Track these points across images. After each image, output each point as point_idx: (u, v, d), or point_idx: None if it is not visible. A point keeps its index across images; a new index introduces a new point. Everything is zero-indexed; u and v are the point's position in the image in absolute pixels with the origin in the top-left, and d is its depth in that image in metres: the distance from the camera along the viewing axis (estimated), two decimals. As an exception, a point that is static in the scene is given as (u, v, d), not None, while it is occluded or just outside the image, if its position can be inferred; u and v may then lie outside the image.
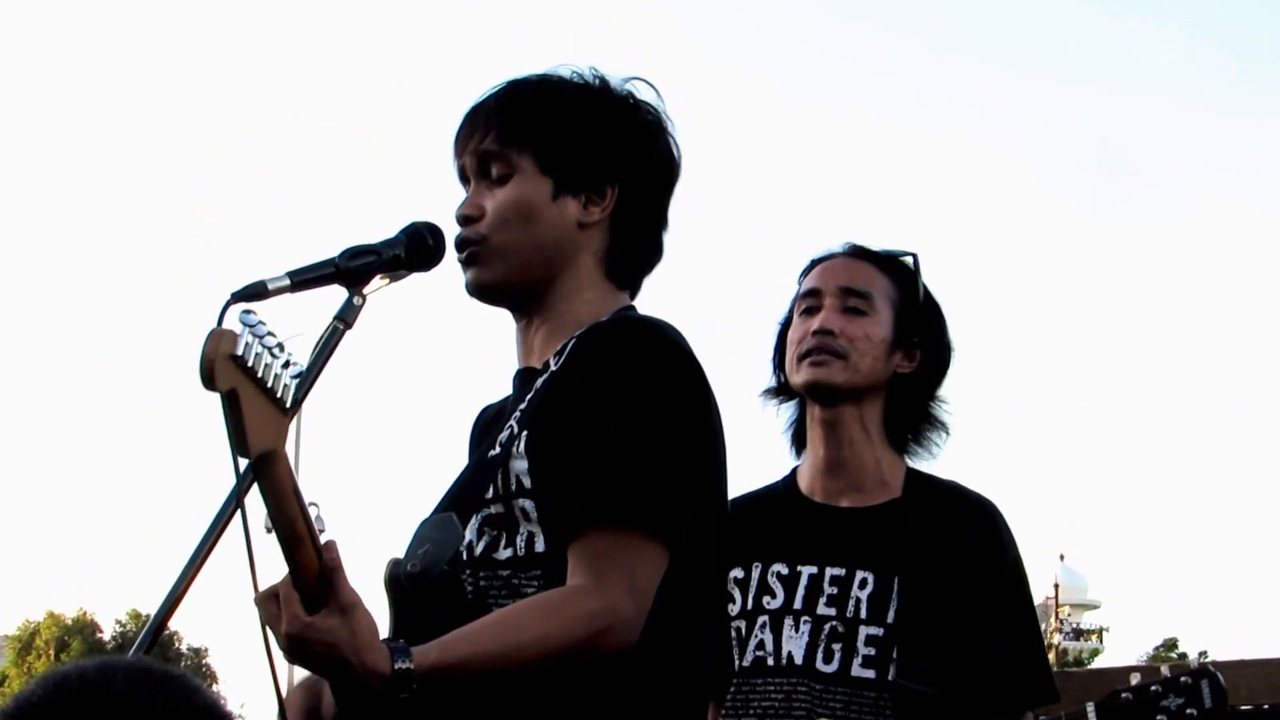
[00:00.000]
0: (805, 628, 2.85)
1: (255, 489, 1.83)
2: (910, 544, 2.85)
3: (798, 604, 2.86)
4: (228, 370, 1.70)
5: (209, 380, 1.70)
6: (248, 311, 1.76)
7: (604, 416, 2.10)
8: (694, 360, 2.18)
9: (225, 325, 1.76)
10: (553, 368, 2.23)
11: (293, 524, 1.85)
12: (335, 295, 2.14)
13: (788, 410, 3.05)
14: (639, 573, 2.03)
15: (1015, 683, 2.84)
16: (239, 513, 1.92)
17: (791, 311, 3.03)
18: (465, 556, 2.16)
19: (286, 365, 1.76)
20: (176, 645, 43.86)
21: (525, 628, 1.97)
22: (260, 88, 62.78)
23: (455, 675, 1.93)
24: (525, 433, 2.16)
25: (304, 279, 2.10)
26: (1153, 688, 2.65)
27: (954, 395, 3.00)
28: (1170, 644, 40.16)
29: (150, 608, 2.00)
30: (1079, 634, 43.40)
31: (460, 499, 2.22)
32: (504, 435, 2.21)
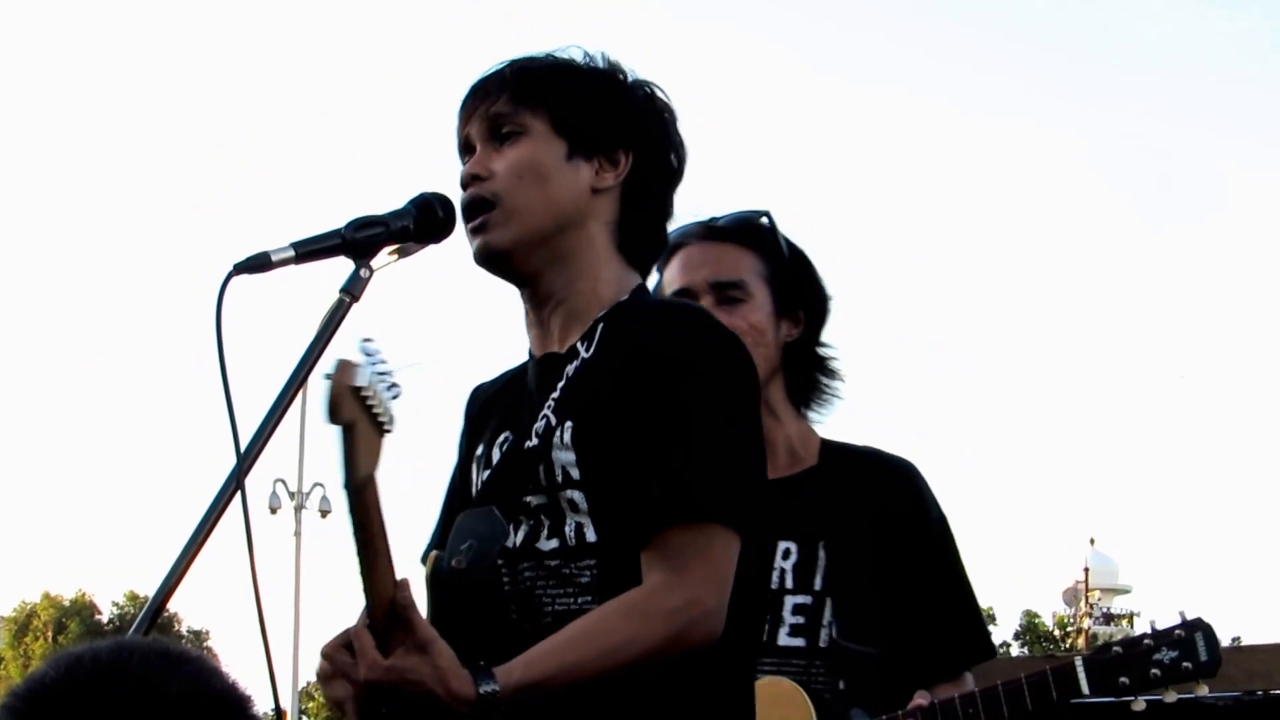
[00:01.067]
0: None
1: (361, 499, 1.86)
2: (831, 509, 2.82)
3: None
4: (351, 403, 1.76)
5: (334, 413, 1.76)
6: (368, 340, 1.80)
7: (667, 406, 2.07)
8: (744, 345, 2.18)
9: (347, 355, 1.80)
10: (584, 354, 2.18)
11: (374, 541, 1.89)
12: (342, 267, 2.10)
13: None
14: (719, 564, 2.03)
15: (953, 643, 2.83)
16: (239, 494, 1.92)
17: None
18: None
19: (390, 388, 1.81)
20: (177, 628, 43.99)
21: (610, 633, 1.98)
22: (260, 88, 62.78)
23: (543, 690, 1.95)
24: (570, 424, 2.12)
25: (309, 250, 2.06)
26: (1145, 641, 2.61)
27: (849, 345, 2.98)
28: (1203, 629, 39.99)
29: (148, 589, 1.99)
30: (1109, 619, 43.35)
31: (498, 491, 2.18)
32: (539, 425, 2.16)
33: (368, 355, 1.78)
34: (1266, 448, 61.93)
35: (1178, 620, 2.62)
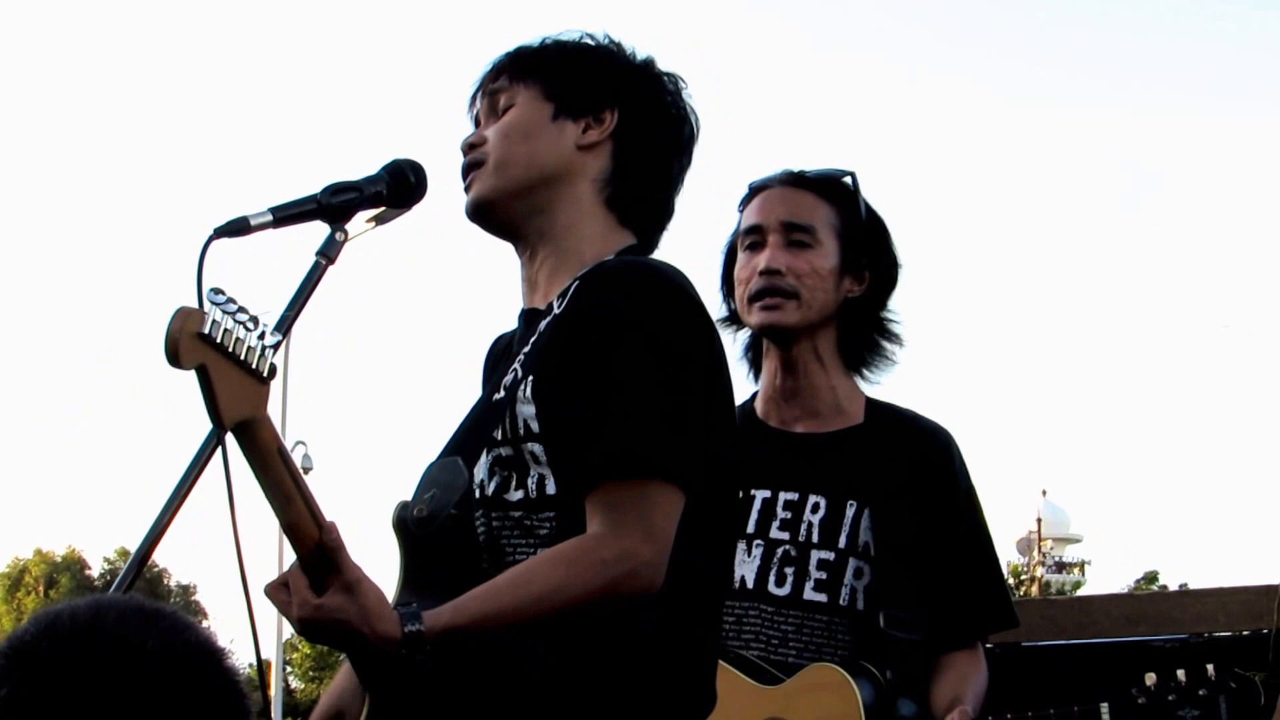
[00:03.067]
0: (757, 552, 2.86)
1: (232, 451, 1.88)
2: (871, 470, 2.86)
3: (750, 528, 2.88)
4: (194, 348, 1.77)
5: (174, 359, 1.76)
6: (216, 290, 1.81)
7: (607, 361, 2.11)
8: (696, 300, 2.20)
9: (194, 305, 1.81)
10: (556, 310, 2.24)
11: (279, 483, 1.91)
12: (318, 231, 2.14)
13: (742, 336, 3.06)
14: (655, 517, 2.05)
15: (973, 610, 2.87)
16: (220, 450, 1.93)
17: (735, 242, 3.03)
18: (478, 496, 2.20)
19: (262, 337, 1.83)
20: (165, 582, 43.99)
21: (538, 581, 2.01)
22: (259, 87, 62.38)
23: (470, 633, 1.99)
24: (531, 377, 2.18)
25: (286, 214, 2.11)
26: (1169, 697, 2.66)
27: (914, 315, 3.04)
28: (1151, 576, 40.39)
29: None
30: (1061, 567, 43.73)
31: (468, 441, 2.24)
32: (509, 379, 2.23)
33: (215, 304, 1.79)
34: (1210, 397, 62.23)
35: (1210, 674, 2.67)
